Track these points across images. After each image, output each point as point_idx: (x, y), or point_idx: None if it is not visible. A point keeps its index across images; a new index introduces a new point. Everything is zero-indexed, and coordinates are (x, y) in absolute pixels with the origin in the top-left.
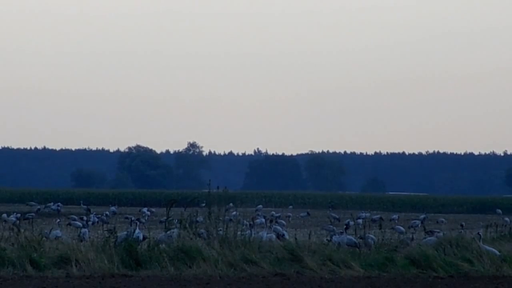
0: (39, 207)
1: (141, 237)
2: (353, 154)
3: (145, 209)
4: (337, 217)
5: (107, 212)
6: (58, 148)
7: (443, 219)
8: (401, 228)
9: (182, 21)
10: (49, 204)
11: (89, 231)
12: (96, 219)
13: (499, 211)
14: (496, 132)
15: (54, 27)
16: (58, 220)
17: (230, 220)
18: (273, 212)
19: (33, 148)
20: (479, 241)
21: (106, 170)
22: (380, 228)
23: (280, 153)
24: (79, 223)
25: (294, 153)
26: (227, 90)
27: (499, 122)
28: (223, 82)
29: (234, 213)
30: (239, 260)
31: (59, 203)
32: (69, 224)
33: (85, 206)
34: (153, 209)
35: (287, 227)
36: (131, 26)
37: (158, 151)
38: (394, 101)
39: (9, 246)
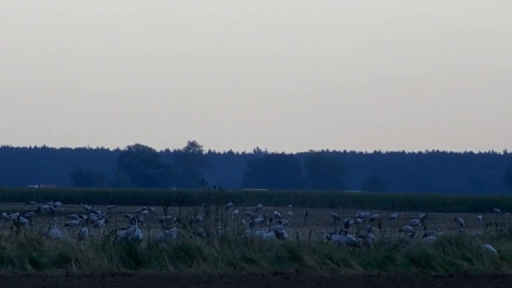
0: (39, 206)
1: (140, 236)
2: (353, 153)
3: (142, 208)
4: (337, 216)
5: (98, 211)
6: (58, 147)
7: (461, 219)
8: (410, 227)
9: (182, 21)
10: (49, 203)
11: (89, 230)
12: (96, 218)
13: (498, 210)
14: (495, 131)
15: (54, 27)
16: (55, 219)
17: (216, 218)
18: (276, 212)
19: (32, 147)
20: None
21: (106, 169)
22: (380, 227)
23: (280, 152)
24: (76, 221)
25: (294, 152)
26: (226, 89)
27: (499, 121)
28: (223, 81)
29: (235, 211)
30: (239, 259)
31: (51, 202)
32: (67, 224)
33: (89, 207)
34: (152, 208)
35: (288, 225)
36: (131, 26)
37: (158, 150)
38: (394, 100)
39: (8, 245)
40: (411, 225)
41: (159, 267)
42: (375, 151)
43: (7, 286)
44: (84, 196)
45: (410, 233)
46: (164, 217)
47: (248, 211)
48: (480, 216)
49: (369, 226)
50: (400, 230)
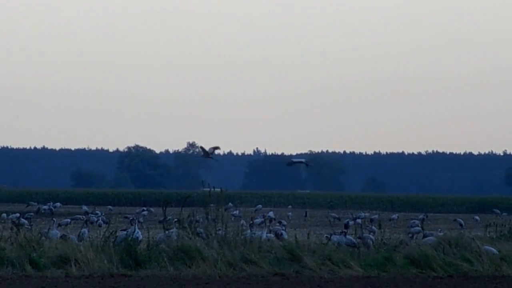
0: (38, 206)
1: (140, 237)
2: (352, 153)
3: (141, 209)
4: (338, 216)
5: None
6: (57, 148)
7: (461, 220)
8: (419, 228)
9: (182, 21)
10: (48, 204)
11: (89, 231)
12: (96, 219)
13: (497, 210)
14: (495, 131)
15: (54, 27)
16: (55, 220)
17: (213, 220)
18: (270, 213)
19: (32, 147)
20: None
21: (106, 170)
22: (380, 228)
23: (279, 153)
24: (67, 220)
25: (294, 153)
26: (226, 90)
27: (499, 121)
28: (223, 82)
29: (235, 212)
30: (238, 260)
31: (51, 203)
32: (60, 225)
33: (87, 208)
34: (152, 209)
35: (287, 226)
36: (131, 26)
37: (158, 151)
38: (394, 101)
39: (8, 246)
40: (411, 226)
41: (158, 268)
42: (374, 152)
43: (7, 287)
44: (84, 197)
45: (410, 235)
46: (163, 218)
47: (232, 212)
48: (477, 217)
49: (373, 227)
50: (408, 233)
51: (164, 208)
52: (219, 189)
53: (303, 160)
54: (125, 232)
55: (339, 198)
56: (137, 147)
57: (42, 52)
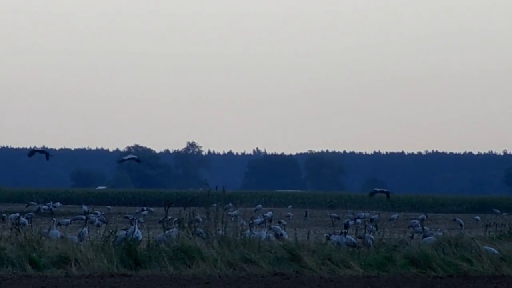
0: (38, 206)
1: (140, 237)
2: (352, 153)
3: (141, 208)
4: (337, 216)
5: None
6: (57, 148)
7: (460, 220)
8: (420, 228)
9: (182, 21)
10: (48, 204)
11: (89, 231)
12: (96, 219)
13: (497, 210)
14: (495, 131)
15: (54, 26)
16: (55, 220)
17: (216, 219)
18: (269, 213)
19: (32, 147)
20: None
21: (106, 170)
22: (377, 228)
23: (279, 153)
24: (67, 220)
25: (294, 153)
26: (226, 90)
27: (499, 121)
28: (223, 82)
29: (234, 212)
30: (238, 260)
31: (51, 203)
32: (59, 224)
33: (86, 208)
34: (152, 209)
35: (287, 226)
36: (131, 26)
37: (158, 151)
38: (393, 101)
39: (8, 246)
40: (411, 226)
41: (158, 267)
42: (374, 152)
43: (7, 287)
44: (84, 197)
45: (411, 234)
46: (163, 218)
47: (230, 212)
48: (477, 217)
49: (373, 227)
50: (412, 232)
51: (166, 208)
52: (220, 189)
53: (135, 156)
54: (125, 232)
55: (339, 198)
56: (137, 147)
57: (42, 52)
